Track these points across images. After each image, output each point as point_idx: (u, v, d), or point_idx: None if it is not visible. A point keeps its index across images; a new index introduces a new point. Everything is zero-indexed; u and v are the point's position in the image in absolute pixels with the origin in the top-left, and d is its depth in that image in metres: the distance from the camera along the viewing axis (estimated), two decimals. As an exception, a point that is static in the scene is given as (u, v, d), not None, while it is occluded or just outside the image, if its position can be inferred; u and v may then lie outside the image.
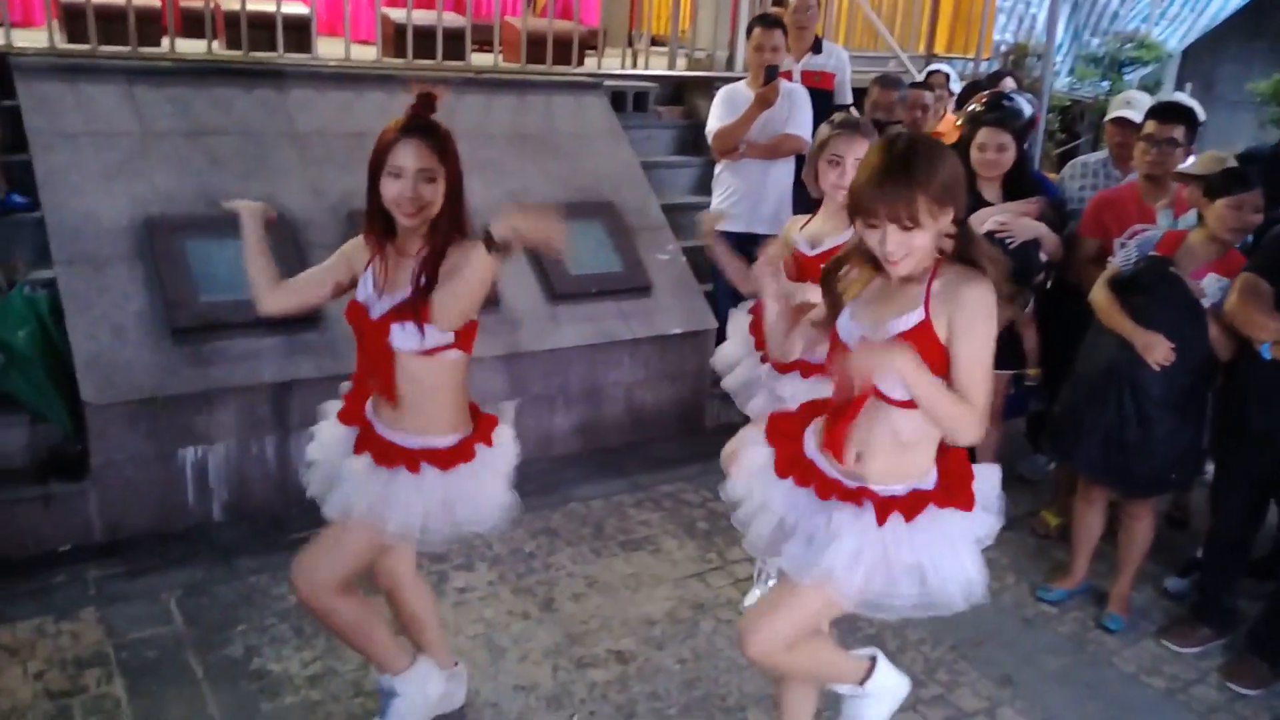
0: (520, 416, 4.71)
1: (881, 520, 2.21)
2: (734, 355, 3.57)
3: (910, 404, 2.13)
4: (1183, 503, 4.62)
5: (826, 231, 3.32)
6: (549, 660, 3.35)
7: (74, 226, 3.97)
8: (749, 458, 2.45)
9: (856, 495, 2.25)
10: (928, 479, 2.30)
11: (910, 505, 2.23)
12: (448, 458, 2.54)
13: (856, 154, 3.17)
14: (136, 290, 3.94)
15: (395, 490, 2.50)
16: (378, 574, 2.84)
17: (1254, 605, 3.69)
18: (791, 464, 2.34)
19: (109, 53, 4.55)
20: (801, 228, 3.40)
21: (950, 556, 2.25)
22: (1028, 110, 4.80)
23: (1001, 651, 3.54)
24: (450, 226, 2.44)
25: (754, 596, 3.71)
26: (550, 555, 4.00)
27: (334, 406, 2.69)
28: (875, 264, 2.19)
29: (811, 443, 2.36)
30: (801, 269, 3.30)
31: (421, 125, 2.37)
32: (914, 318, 2.12)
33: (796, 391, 3.16)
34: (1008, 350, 4.26)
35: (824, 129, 3.30)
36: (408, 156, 2.35)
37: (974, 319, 2.07)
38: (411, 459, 2.52)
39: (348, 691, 3.10)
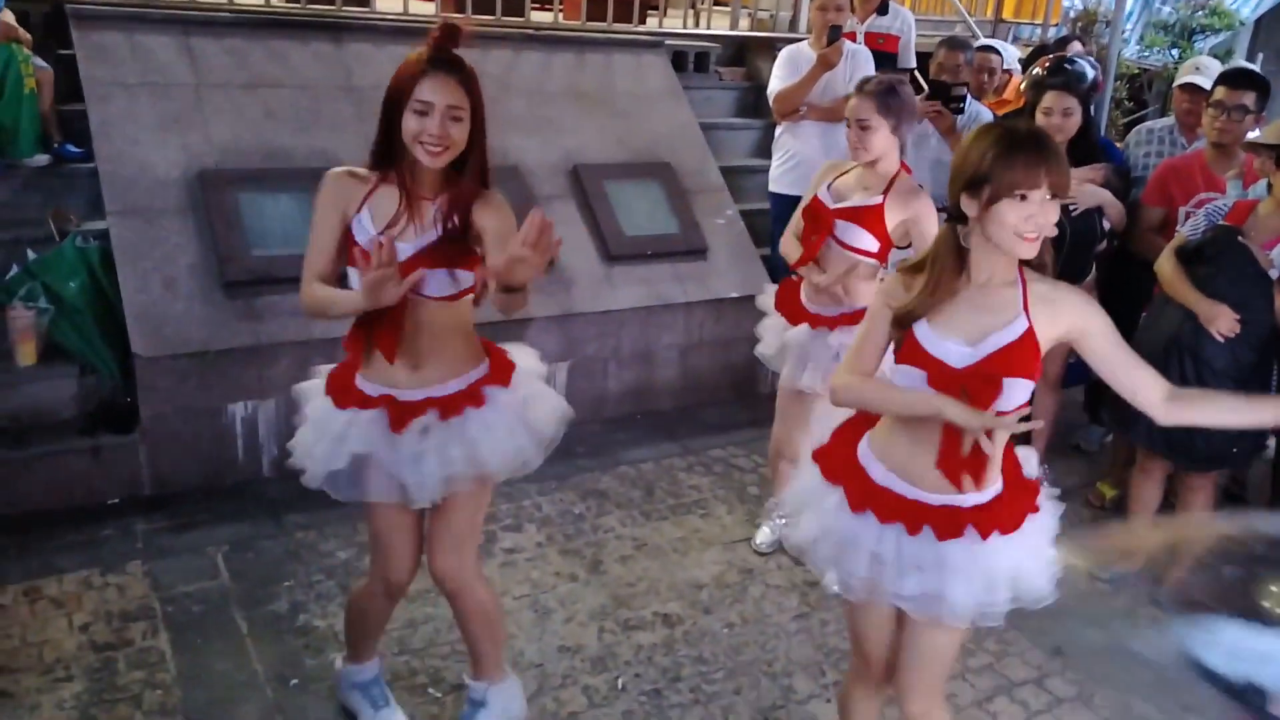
0: (572, 377, 4.55)
1: (985, 535, 2.05)
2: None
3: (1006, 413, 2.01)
4: (1241, 477, 4.43)
5: (854, 189, 3.24)
6: (595, 622, 3.22)
7: (128, 177, 3.85)
8: (800, 495, 2.25)
9: (952, 520, 2.07)
10: (998, 480, 2.13)
11: (1009, 518, 2.08)
12: (455, 403, 2.33)
13: (859, 115, 3.12)
14: (189, 243, 3.82)
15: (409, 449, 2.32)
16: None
17: None
18: (866, 498, 2.13)
19: (166, 2, 4.42)
20: (837, 177, 3.30)
21: (1036, 553, 2.12)
22: (1090, 74, 4.65)
23: (1053, 622, 3.29)
24: (476, 169, 2.23)
25: (764, 534, 3.71)
26: (599, 517, 3.85)
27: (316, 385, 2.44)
28: (956, 271, 2.02)
29: (878, 469, 2.14)
30: (818, 218, 3.23)
31: (450, 59, 2.15)
32: (1019, 327, 2.00)
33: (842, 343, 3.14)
34: None
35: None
36: (436, 92, 2.12)
37: (1096, 316, 2.08)
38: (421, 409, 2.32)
39: (392, 648, 2.98)
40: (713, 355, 4.90)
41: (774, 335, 3.47)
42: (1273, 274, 3.28)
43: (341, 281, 2.28)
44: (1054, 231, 1.97)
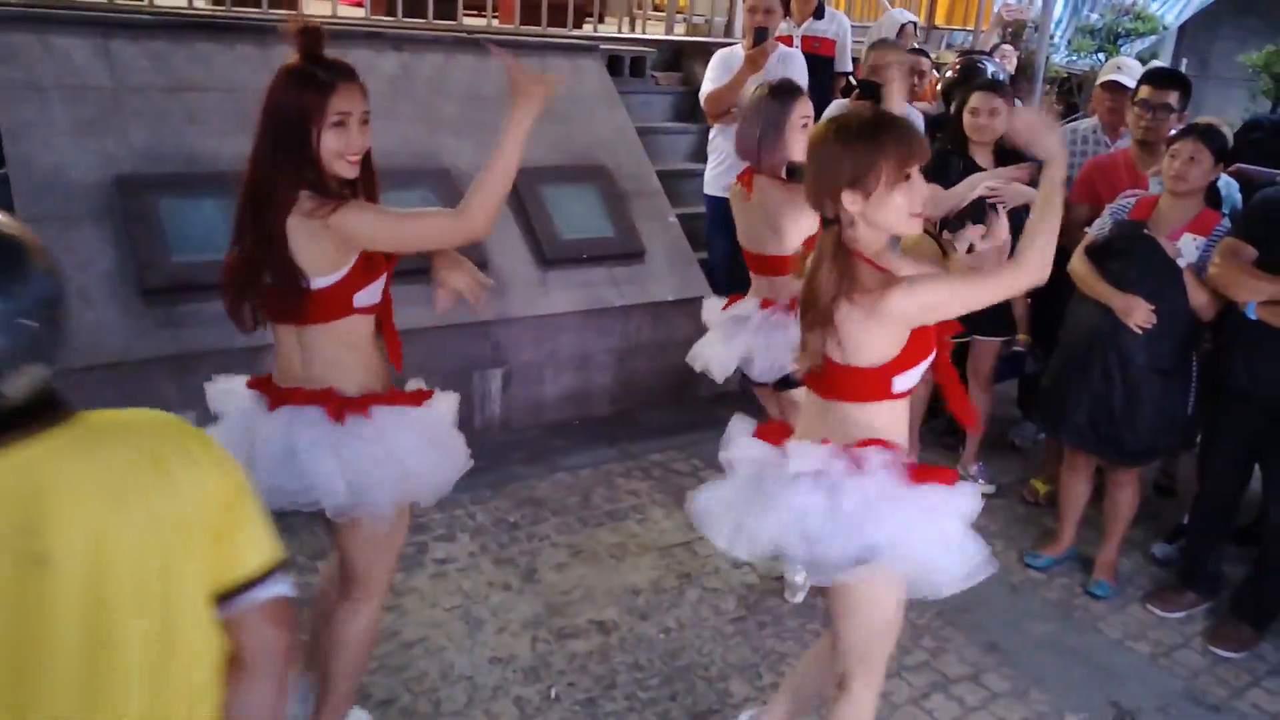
0: (508, 384, 4.45)
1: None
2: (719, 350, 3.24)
3: None
4: (1171, 470, 4.48)
5: None
6: (528, 632, 3.12)
7: (41, 183, 3.67)
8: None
9: None
10: None
11: None
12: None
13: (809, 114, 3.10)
14: (105, 250, 3.65)
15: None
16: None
17: (1239, 570, 3.54)
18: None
19: (83, 3, 4.24)
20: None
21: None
22: (1001, 77, 4.81)
23: (988, 618, 3.37)
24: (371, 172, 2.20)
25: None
26: (534, 525, 3.74)
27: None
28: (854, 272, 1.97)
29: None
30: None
31: (345, 64, 2.08)
32: None
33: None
34: (997, 316, 4.08)
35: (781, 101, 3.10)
36: (353, 101, 2.05)
37: None
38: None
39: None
40: (651, 359, 4.82)
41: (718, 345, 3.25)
42: (1181, 263, 3.31)
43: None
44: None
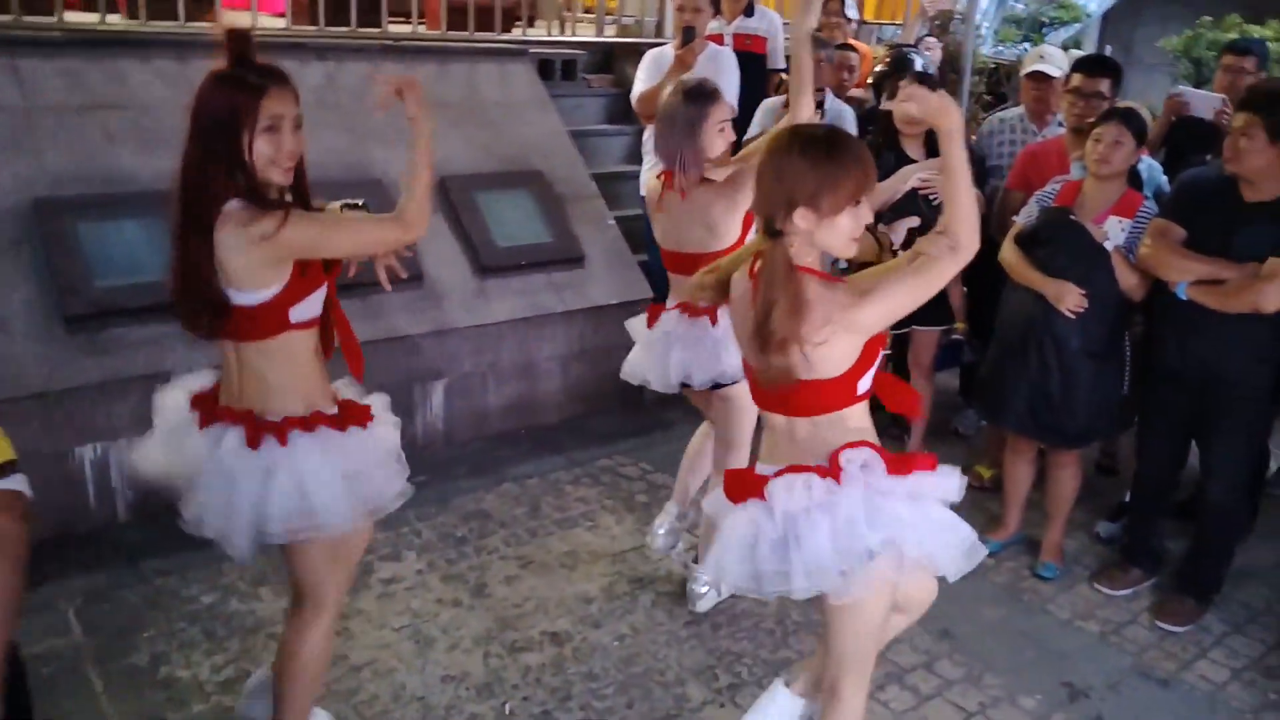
0: (450, 396, 4.41)
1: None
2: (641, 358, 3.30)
3: None
4: (1111, 450, 4.58)
5: None
6: (480, 648, 3.10)
7: (-48, 210, 3.56)
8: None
9: None
10: None
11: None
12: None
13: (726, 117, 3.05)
14: (23, 277, 3.54)
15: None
16: None
17: (1181, 545, 3.64)
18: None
19: (-15, 23, 4.13)
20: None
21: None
22: (929, 69, 4.99)
23: (938, 605, 3.32)
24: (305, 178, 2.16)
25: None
26: (482, 539, 3.72)
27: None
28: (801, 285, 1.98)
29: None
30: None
31: (275, 68, 2.04)
32: None
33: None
34: (935, 307, 4.14)
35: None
36: (286, 104, 2.02)
37: None
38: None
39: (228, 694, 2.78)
40: (595, 364, 4.81)
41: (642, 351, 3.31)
42: (1107, 245, 3.39)
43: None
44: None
